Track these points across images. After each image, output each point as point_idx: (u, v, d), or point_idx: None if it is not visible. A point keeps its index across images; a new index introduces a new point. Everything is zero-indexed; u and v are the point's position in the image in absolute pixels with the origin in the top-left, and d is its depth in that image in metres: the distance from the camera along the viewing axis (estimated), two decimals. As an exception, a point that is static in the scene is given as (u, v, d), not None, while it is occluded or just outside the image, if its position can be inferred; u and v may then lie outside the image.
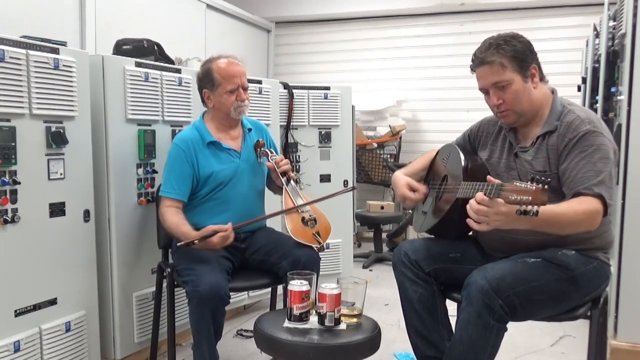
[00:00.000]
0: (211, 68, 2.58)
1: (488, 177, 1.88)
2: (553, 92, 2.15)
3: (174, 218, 2.50)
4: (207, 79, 2.59)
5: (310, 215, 2.57)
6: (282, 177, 2.62)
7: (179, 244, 2.40)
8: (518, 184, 1.73)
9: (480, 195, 1.81)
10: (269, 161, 2.65)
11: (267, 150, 2.68)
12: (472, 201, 1.84)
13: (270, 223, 2.83)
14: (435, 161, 2.45)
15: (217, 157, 2.60)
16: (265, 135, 2.81)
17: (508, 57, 2.03)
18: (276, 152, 2.74)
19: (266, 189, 2.81)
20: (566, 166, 1.99)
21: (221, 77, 2.56)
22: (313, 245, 2.51)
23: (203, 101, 2.66)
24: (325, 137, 4.11)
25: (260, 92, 3.56)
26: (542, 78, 2.11)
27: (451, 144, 2.40)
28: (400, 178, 2.38)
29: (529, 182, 1.71)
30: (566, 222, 1.87)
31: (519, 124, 2.15)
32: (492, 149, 2.26)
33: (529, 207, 1.68)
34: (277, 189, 2.75)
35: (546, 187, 1.68)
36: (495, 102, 2.09)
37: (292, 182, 2.64)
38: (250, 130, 2.73)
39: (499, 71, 2.04)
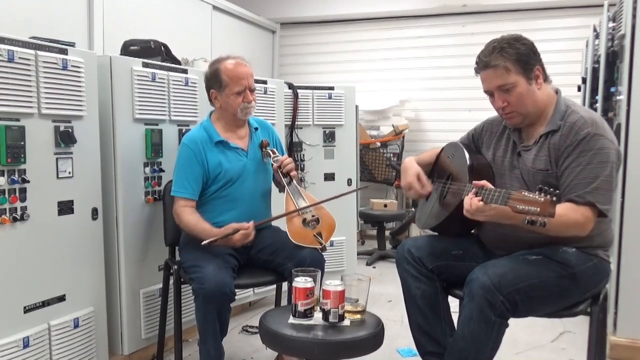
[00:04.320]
0: (219, 69, 2.59)
1: (474, 182, 1.95)
2: (557, 92, 2.16)
3: (192, 217, 2.53)
4: (214, 80, 2.60)
5: (312, 216, 2.57)
6: (285, 177, 2.63)
7: (202, 243, 2.42)
8: (526, 193, 1.75)
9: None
10: (272, 161, 2.67)
11: (269, 150, 2.70)
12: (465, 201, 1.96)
13: (275, 222, 2.84)
14: (440, 158, 2.45)
15: (225, 155, 2.62)
16: (272, 135, 2.82)
17: (512, 60, 2.03)
18: (281, 152, 2.75)
19: (273, 187, 2.83)
20: (564, 170, 2.00)
21: (229, 79, 2.57)
22: (314, 247, 2.52)
23: (210, 101, 2.68)
24: (329, 137, 4.14)
25: (265, 92, 3.58)
26: (546, 79, 2.12)
27: (456, 142, 2.40)
28: (412, 166, 2.37)
29: (537, 193, 1.73)
30: (551, 225, 1.82)
31: (524, 124, 2.16)
32: (495, 148, 2.27)
33: (536, 218, 1.71)
34: (280, 187, 2.76)
35: (555, 198, 1.69)
36: (500, 105, 2.10)
37: (294, 182, 2.65)
38: (256, 129, 2.75)
39: (503, 74, 2.04)
